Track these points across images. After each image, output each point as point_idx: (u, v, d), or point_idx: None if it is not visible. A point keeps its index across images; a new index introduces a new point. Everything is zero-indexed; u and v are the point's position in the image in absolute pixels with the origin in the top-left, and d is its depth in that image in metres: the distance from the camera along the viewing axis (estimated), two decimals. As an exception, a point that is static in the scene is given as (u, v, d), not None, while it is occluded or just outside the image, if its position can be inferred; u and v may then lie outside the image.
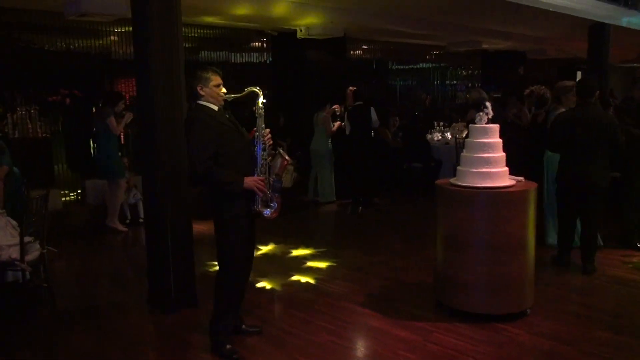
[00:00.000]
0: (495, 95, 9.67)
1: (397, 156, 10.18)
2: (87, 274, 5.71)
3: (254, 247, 3.96)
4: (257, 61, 10.40)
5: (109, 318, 4.42)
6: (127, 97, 9.53)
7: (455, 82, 16.70)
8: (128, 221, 7.48)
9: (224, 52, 9.92)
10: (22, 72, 8.59)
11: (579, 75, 21.56)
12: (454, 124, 11.56)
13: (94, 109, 7.49)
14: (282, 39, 9.79)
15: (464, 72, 16.75)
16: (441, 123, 11.18)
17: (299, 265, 5.63)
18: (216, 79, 3.60)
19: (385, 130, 10.37)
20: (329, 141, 8.43)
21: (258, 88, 3.71)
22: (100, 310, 4.61)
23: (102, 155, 7.12)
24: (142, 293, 4.73)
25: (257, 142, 3.66)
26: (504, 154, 4.24)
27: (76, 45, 8.61)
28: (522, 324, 4.11)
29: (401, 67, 15.16)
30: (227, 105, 3.73)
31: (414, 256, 5.88)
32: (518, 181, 4.32)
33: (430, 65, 15.54)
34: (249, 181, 3.54)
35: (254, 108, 3.70)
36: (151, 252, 4.63)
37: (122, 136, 8.12)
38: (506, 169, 4.23)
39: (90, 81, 9.39)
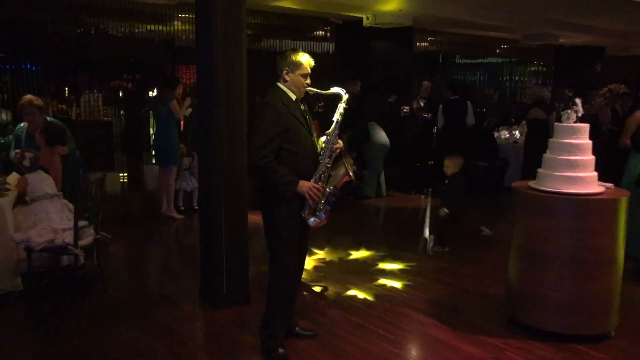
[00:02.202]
0: (567, 94, 9.02)
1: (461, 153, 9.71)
2: (139, 262, 5.64)
3: (306, 248, 3.70)
4: (320, 51, 10.11)
5: (158, 310, 4.27)
6: (188, 84, 9.52)
7: (525, 78, 15.85)
8: (182, 208, 7.40)
9: (286, 41, 9.69)
10: (87, 56, 8.66)
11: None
12: (523, 121, 10.93)
13: (149, 94, 7.40)
14: (347, 28, 9.45)
15: (534, 68, 15.84)
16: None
17: (359, 268, 5.33)
18: (306, 69, 3.36)
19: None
20: None
21: (344, 91, 3.44)
22: (150, 302, 4.46)
23: (160, 141, 7.05)
24: (194, 286, 4.57)
25: (325, 146, 3.39)
26: (593, 157, 3.79)
27: (140, 30, 8.59)
28: (605, 348, 3.67)
29: (468, 61, 14.51)
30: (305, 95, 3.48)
31: (481, 263, 5.48)
32: (608, 188, 3.86)
33: (499, 59, 14.80)
34: (304, 186, 3.27)
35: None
36: (204, 245, 4.45)
37: (182, 123, 8.04)
38: (595, 174, 3.78)
39: (152, 67, 9.39)
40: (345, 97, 3.42)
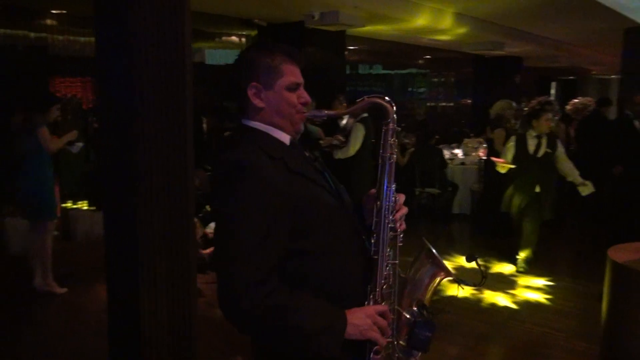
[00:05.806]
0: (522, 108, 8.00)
1: (406, 179, 8.42)
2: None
3: None
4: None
5: None
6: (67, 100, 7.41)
7: (440, 88, 15.09)
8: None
9: (195, 48, 7.83)
10: None
11: (554, 86, 20.65)
12: (465, 140, 9.86)
13: (13, 118, 5.24)
14: (272, 31, 7.76)
15: (449, 79, 15.08)
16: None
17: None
18: (292, 73, 1.59)
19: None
20: None
21: (388, 100, 1.65)
22: None
23: (27, 185, 4.93)
24: None
25: (378, 222, 1.61)
26: None
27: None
28: None
29: (386, 72, 13.40)
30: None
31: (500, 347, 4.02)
32: None
33: (417, 70, 13.86)
34: (361, 320, 1.50)
35: None
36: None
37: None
38: None
39: (16, 81, 7.07)
40: (391, 107, 1.63)
